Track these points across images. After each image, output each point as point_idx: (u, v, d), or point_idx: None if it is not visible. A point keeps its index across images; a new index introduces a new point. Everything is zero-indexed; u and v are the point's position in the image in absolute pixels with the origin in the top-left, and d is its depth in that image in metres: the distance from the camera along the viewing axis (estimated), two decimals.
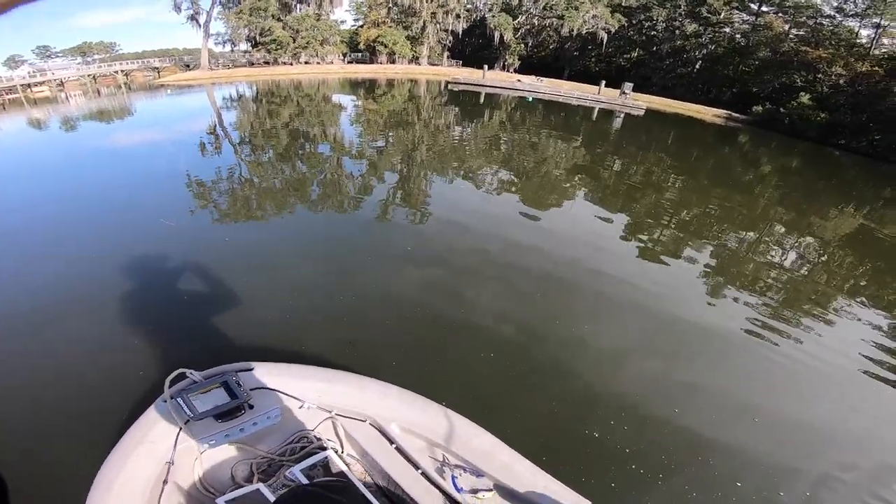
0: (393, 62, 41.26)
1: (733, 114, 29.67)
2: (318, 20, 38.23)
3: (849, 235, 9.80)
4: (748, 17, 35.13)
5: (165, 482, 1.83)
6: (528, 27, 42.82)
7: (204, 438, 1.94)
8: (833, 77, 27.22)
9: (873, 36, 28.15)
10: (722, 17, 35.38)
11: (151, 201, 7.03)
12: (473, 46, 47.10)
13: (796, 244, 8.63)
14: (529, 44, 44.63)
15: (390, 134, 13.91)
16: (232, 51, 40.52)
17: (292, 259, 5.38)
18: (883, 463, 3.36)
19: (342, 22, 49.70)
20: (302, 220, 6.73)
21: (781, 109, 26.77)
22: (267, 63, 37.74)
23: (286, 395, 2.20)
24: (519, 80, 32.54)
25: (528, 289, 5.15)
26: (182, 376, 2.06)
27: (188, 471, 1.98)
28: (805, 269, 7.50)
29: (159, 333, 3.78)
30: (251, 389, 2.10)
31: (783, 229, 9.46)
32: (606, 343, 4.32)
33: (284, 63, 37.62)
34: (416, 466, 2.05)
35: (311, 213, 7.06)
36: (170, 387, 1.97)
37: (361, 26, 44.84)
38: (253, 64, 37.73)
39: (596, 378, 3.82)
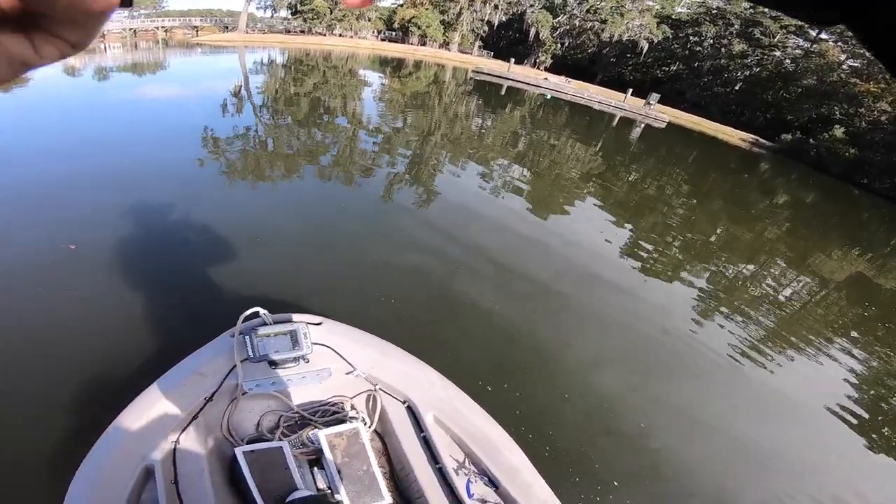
0: (424, 44, 41.11)
1: (760, 139, 28.94)
2: None
3: (846, 279, 9.71)
4: (803, 43, 33.95)
5: (195, 417, 1.88)
6: (568, 27, 42.03)
7: (250, 381, 1.99)
8: (875, 113, 26.25)
9: None
10: (776, 40, 34.26)
11: (169, 156, 7.32)
12: (508, 40, 46.55)
13: (792, 280, 8.61)
14: (566, 44, 43.86)
15: (409, 116, 14.05)
16: (272, 16, 40.82)
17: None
18: (823, 491, 3.56)
19: None
20: (307, 187, 7.02)
21: (811, 140, 26.04)
22: (302, 32, 38.00)
23: (342, 357, 2.25)
24: (546, 79, 32.16)
25: (522, 286, 5.32)
26: (255, 315, 2.09)
27: (220, 411, 2.01)
28: (795, 304, 7.52)
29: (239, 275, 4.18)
30: (314, 344, 2.15)
31: (783, 263, 9.40)
32: (588, 349, 4.51)
33: (318, 33, 37.83)
34: (437, 461, 2.03)
35: (319, 181, 7.34)
36: (243, 322, 2.06)
37: (401, 5, 44.63)
38: (290, 32, 37.99)
39: (569, 381, 3.99)
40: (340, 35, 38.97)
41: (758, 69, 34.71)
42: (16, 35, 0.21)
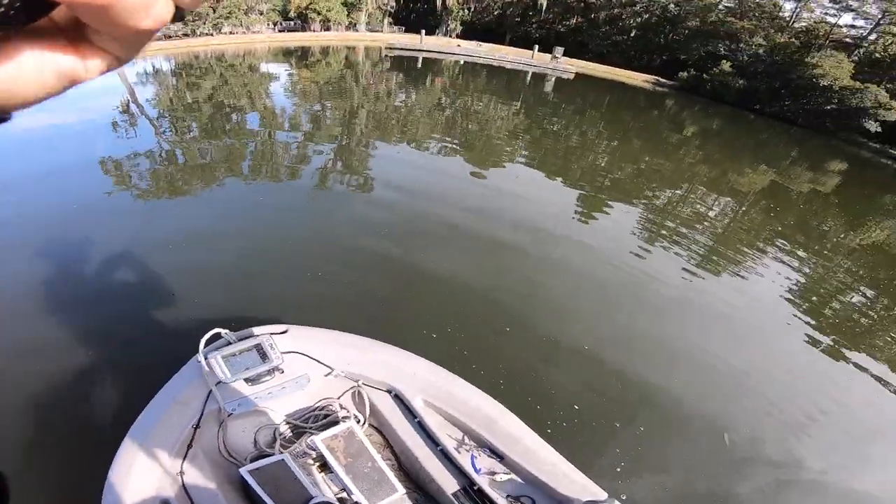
0: (328, 29, 38.98)
1: (661, 79, 31.29)
2: None
3: (763, 190, 10.89)
4: None
5: (190, 447, 1.86)
6: None
7: (232, 402, 1.97)
8: (753, 47, 29.18)
9: (795, 9, 30.37)
10: None
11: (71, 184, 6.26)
12: (418, 12, 45.75)
13: (717, 199, 9.48)
14: (473, 9, 43.96)
15: (328, 103, 13.30)
16: None
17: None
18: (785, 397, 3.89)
19: None
20: (234, 195, 6.38)
21: (705, 76, 28.61)
22: (185, 35, 34.26)
23: (316, 360, 2.20)
24: (459, 45, 32.18)
25: (474, 248, 5.34)
26: (217, 336, 2.07)
27: (213, 435, 1.99)
28: (725, 220, 8.30)
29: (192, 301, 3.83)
30: (283, 353, 2.10)
31: (706, 186, 10.33)
32: (550, 294, 4.63)
33: (205, 34, 34.35)
34: (437, 443, 2.03)
35: (245, 186, 6.71)
36: (205, 346, 2.00)
37: None
38: (170, 37, 34.09)
39: (534, 324, 4.10)
40: (231, 33, 35.69)
41: (647, 15, 37.09)
42: (68, 49, 0.22)
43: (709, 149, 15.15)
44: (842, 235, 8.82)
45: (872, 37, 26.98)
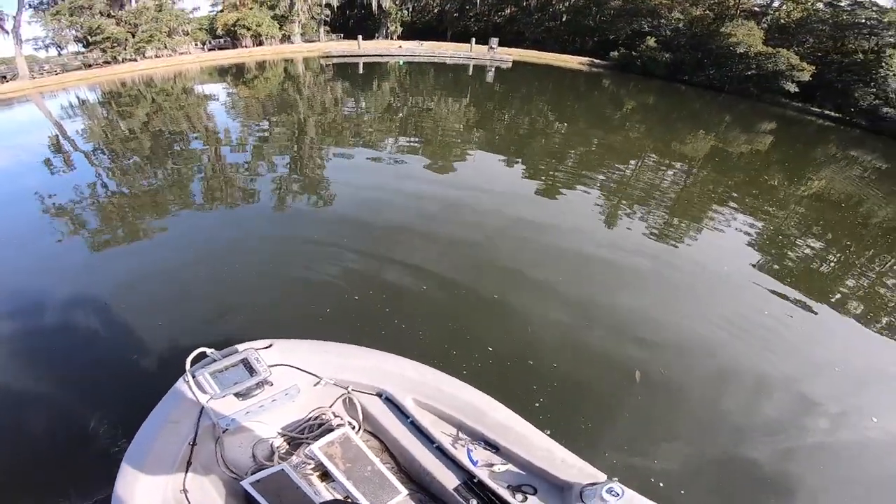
0: (260, 44, 37.78)
1: (595, 60, 32.69)
2: (159, 11, 33.62)
3: (706, 155, 11.68)
4: None
5: (189, 464, 1.85)
6: None
7: (225, 417, 1.97)
8: (673, 21, 30.93)
9: None
10: None
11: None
12: (356, 18, 45.26)
13: (668, 167, 10.07)
14: (411, 9, 44.02)
15: (273, 119, 12.98)
16: (59, 54, 34.02)
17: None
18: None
19: (195, 9, 43.70)
20: (191, 223, 6.17)
21: (634, 53, 30.06)
22: (107, 63, 32.25)
23: (304, 371, 2.20)
24: (400, 47, 32.23)
25: (444, 246, 5.40)
26: (202, 355, 2.03)
27: (211, 451, 2.00)
28: (678, 186, 8.80)
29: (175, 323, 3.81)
30: (270, 366, 2.08)
31: (654, 156, 10.92)
32: (524, 273, 4.80)
33: (129, 60, 32.47)
34: (432, 441, 2.05)
35: (200, 213, 6.49)
36: (191, 366, 1.97)
37: (221, 11, 40.03)
38: (91, 66, 31.94)
39: (504, 294, 4.29)
40: (157, 56, 33.88)
41: None
42: None
43: (650, 122, 16.01)
44: (788, 188, 9.64)
45: (777, 3, 29.40)
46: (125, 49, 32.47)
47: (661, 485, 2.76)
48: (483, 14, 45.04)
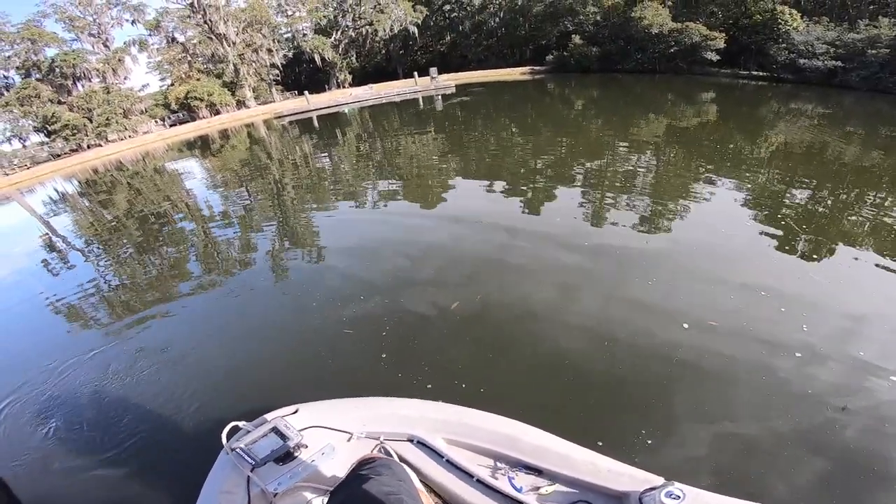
0: (217, 113, 38.82)
1: (535, 67, 34.73)
2: (108, 93, 34.45)
3: (664, 135, 12.35)
4: None
5: None
6: (348, 40, 43.69)
7: (272, 482, 2.01)
8: (591, 15, 33.22)
9: None
10: None
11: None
12: (305, 72, 46.49)
13: (634, 155, 10.46)
14: (356, 55, 45.44)
15: (251, 185, 13.75)
16: (24, 146, 34.44)
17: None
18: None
19: (145, 86, 44.63)
20: (194, 302, 6.52)
21: (566, 53, 32.07)
22: (74, 150, 32.83)
23: (334, 429, 2.28)
24: (351, 94, 33.49)
25: (442, 284, 5.43)
26: (236, 429, 2.14)
27: None
28: (651, 170, 9.21)
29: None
30: (300, 430, 2.16)
31: (620, 146, 11.33)
32: (518, 299, 4.86)
33: (94, 145, 33.12)
34: (471, 475, 2.03)
35: (201, 291, 6.81)
36: (227, 439, 2.10)
37: (170, 86, 41.09)
38: (59, 156, 32.41)
39: (524, 332, 4.33)
40: (120, 139, 34.60)
41: (502, 13, 40.92)
42: None
43: (603, 115, 16.64)
44: (754, 150, 10.27)
45: None
46: (87, 135, 33.14)
47: (731, 474, 2.67)
48: (427, 46, 47.01)
